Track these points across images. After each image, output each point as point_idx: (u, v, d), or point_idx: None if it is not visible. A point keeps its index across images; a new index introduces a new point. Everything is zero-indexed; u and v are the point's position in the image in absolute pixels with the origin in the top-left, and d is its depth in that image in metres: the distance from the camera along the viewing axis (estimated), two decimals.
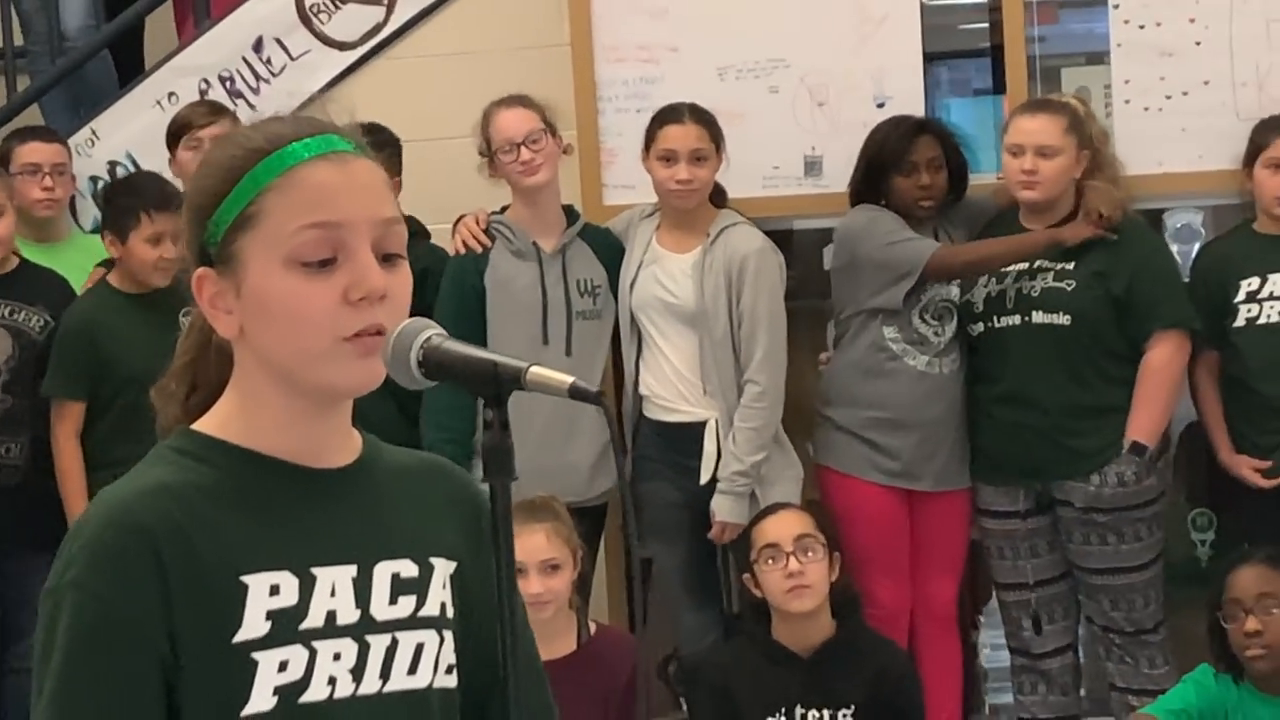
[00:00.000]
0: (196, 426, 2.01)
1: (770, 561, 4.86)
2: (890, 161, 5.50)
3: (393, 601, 1.99)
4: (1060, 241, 5.34)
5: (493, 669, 1.99)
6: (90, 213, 6.30)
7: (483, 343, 5.34)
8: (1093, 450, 5.37)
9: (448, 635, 2.03)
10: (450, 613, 2.04)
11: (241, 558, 1.91)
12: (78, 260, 5.93)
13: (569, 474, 5.32)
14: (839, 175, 5.76)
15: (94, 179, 6.28)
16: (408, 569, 2.01)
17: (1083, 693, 5.73)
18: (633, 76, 5.91)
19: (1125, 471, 5.34)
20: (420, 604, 2.01)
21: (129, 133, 6.14)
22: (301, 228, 1.91)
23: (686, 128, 5.44)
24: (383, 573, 1.99)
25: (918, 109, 5.76)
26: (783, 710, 4.80)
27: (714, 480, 5.42)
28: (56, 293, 5.68)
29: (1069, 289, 5.37)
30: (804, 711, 4.80)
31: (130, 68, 6.87)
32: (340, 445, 2.03)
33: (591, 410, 5.43)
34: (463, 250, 5.48)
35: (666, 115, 5.50)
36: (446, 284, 5.47)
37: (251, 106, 6.18)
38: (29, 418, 5.58)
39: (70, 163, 6.04)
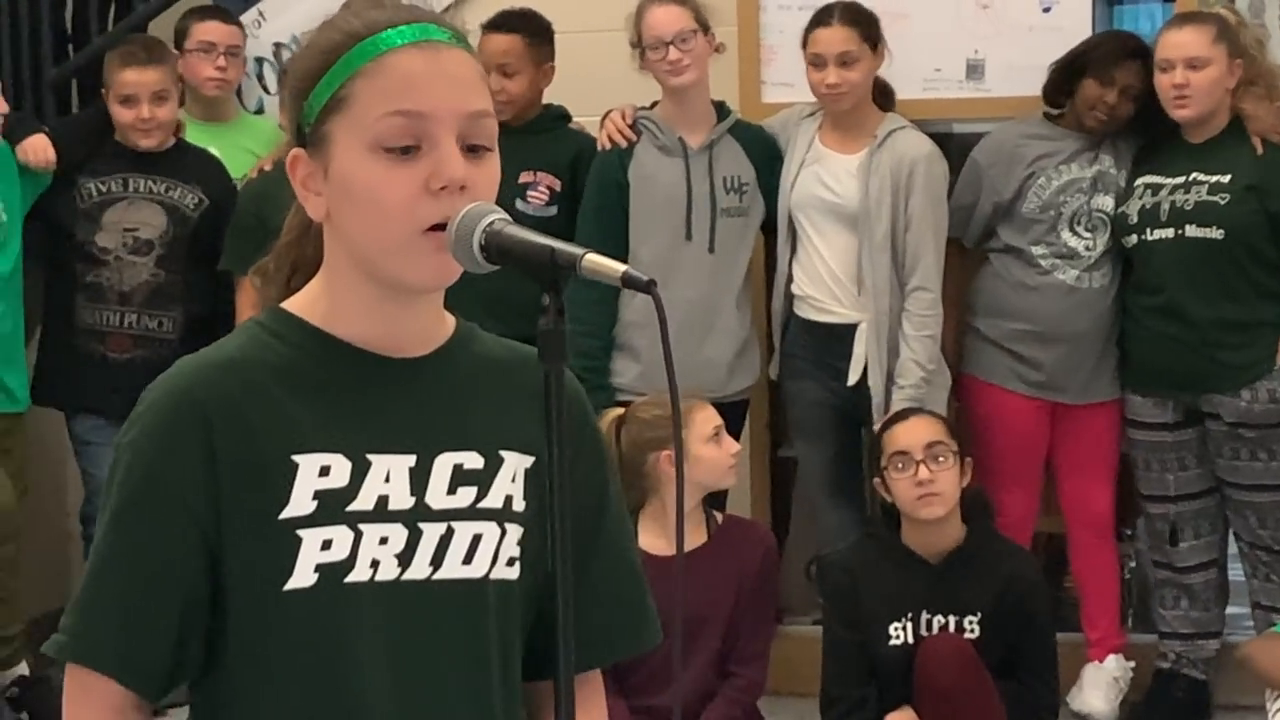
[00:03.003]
0: (285, 305, 2.05)
1: (900, 468, 4.84)
2: (1091, 64, 5.43)
3: (451, 491, 2.00)
4: None
5: (579, 564, 1.96)
6: (255, 94, 6.36)
7: (625, 238, 5.37)
8: (1244, 364, 5.29)
9: (511, 528, 2.03)
10: (519, 506, 2.04)
11: (296, 437, 1.94)
12: (242, 141, 6.00)
13: (707, 370, 5.31)
14: (1000, 79, 5.72)
15: (259, 60, 6.32)
16: (472, 460, 2.02)
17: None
18: None
19: (1277, 388, 5.26)
20: (481, 495, 2.01)
21: (295, 15, 6.10)
22: (386, 114, 1.92)
23: (833, 30, 5.38)
24: (444, 464, 2.00)
25: (1085, 15, 5.67)
26: (909, 615, 4.78)
27: (861, 382, 5.39)
28: (212, 173, 5.78)
29: (1223, 203, 5.27)
30: (929, 617, 4.78)
31: None
32: (424, 334, 2.04)
33: (731, 307, 5.50)
34: (608, 146, 5.47)
35: (818, 17, 5.44)
36: (591, 179, 5.48)
37: None
38: (181, 293, 5.69)
39: (244, 45, 6.10)
